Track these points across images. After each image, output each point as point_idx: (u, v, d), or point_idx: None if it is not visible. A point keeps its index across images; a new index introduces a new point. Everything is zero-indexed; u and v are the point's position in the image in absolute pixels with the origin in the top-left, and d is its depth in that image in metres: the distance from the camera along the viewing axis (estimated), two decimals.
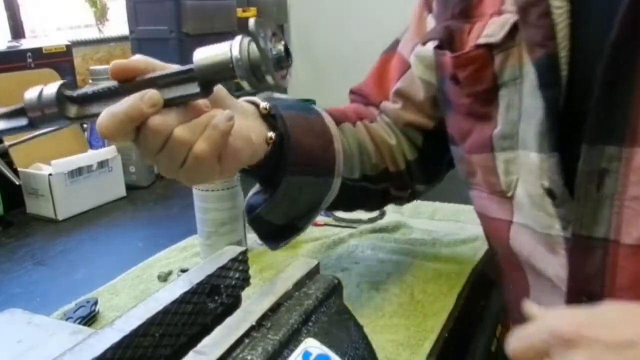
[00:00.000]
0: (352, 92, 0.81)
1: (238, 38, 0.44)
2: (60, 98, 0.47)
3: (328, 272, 0.46)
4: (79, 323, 0.67)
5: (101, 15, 2.19)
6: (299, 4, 1.92)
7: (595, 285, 0.51)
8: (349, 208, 0.79)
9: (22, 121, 0.49)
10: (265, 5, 1.61)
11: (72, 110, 0.48)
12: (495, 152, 0.58)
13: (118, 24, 2.10)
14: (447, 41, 0.61)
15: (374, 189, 0.72)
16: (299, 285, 0.43)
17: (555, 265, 0.55)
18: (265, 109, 0.57)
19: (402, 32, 0.76)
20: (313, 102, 1.88)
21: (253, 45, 0.43)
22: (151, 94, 0.44)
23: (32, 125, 0.48)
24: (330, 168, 0.63)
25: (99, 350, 0.34)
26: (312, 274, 0.45)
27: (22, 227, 1.04)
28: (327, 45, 2.27)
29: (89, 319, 0.69)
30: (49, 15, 2.06)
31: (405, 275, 0.79)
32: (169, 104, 0.45)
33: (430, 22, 0.68)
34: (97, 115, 0.46)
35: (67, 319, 0.68)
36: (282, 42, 0.45)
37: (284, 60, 0.45)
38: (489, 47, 0.55)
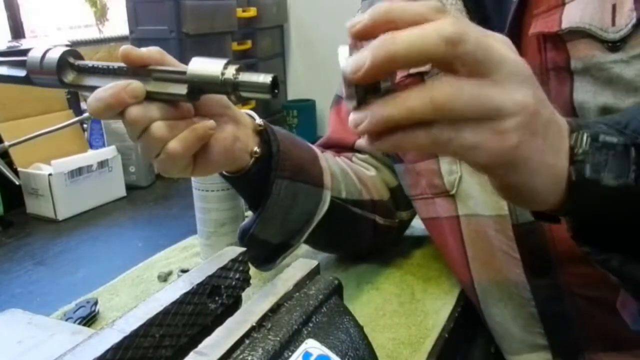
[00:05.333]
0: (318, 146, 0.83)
1: (235, 64, 0.47)
2: (62, 64, 0.50)
3: (328, 273, 0.46)
4: (79, 323, 0.67)
5: (101, 15, 2.19)
6: (299, 4, 1.92)
7: (541, 253, 0.60)
8: (340, 235, 0.77)
9: (21, 72, 0.52)
10: (265, 5, 1.61)
11: (70, 77, 0.51)
12: (440, 155, 0.65)
13: (118, 24, 2.10)
14: None
15: (362, 215, 0.74)
16: (299, 286, 0.43)
17: (505, 240, 0.62)
18: (260, 125, 0.60)
19: (339, 86, 0.80)
20: (313, 101, 1.89)
21: (243, 74, 0.46)
22: (134, 85, 0.47)
23: (28, 80, 0.51)
24: (319, 178, 0.66)
25: (100, 350, 0.34)
26: (312, 274, 0.45)
27: (22, 227, 1.04)
28: (326, 45, 2.27)
29: (89, 319, 0.69)
30: (49, 15, 2.06)
31: (405, 275, 0.79)
32: (155, 97, 0.48)
33: None
34: (90, 87, 0.49)
35: (67, 319, 0.68)
36: (272, 75, 0.47)
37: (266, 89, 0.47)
38: (420, 74, 0.63)
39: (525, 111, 0.33)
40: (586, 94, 0.54)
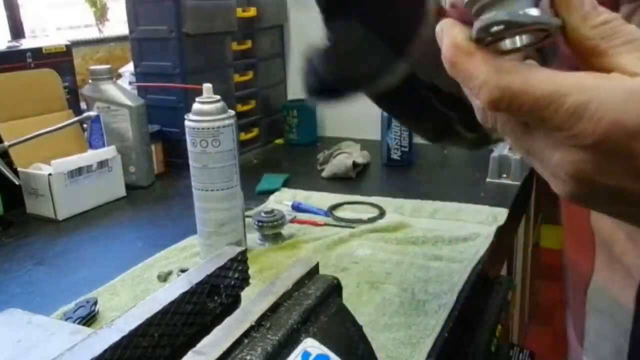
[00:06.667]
0: None
1: None
2: None
3: (328, 272, 0.46)
4: (79, 323, 0.67)
5: (101, 15, 2.19)
6: (299, 4, 1.92)
7: None
8: (409, 113, 0.65)
9: None
10: (265, 5, 1.61)
11: None
12: None
13: (118, 24, 2.10)
14: None
15: (439, 108, 0.61)
16: (299, 285, 0.43)
17: (633, 253, 0.53)
18: None
19: None
20: None
21: None
22: None
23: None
24: (401, 42, 0.55)
25: (99, 350, 0.34)
26: (311, 273, 0.45)
27: (22, 227, 1.04)
28: None
29: (89, 319, 0.70)
30: (49, 15, 2.06)
31: (406, 275, 0.79)
32: None
33: None
34: None
35: (66, 319, 0.68)
36: None
37: None
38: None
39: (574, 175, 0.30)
40: None
